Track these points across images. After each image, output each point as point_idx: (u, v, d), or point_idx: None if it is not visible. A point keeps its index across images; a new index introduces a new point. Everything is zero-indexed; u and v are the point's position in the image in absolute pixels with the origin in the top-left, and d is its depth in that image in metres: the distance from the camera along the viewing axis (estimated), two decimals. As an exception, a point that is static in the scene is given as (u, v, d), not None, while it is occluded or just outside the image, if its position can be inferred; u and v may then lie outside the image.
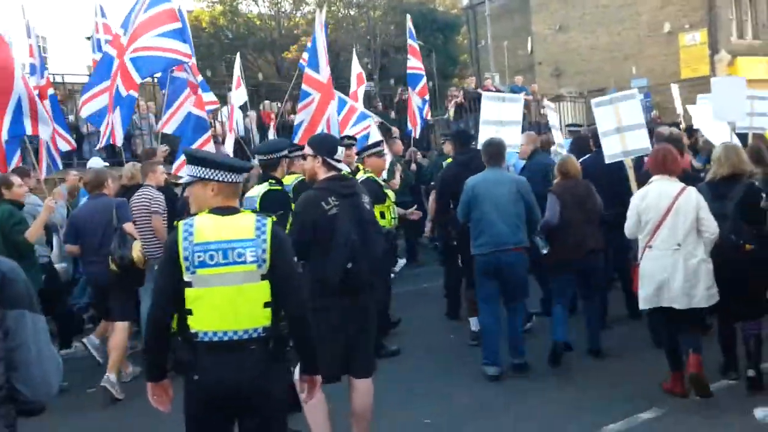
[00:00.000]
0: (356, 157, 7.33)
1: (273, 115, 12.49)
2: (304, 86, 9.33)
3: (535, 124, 17.39)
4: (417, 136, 12.98)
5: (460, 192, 6.19)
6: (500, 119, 7.72)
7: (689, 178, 5.94)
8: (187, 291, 3.03)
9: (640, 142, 6.47)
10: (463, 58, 41.18)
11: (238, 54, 13.14)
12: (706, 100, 9.06)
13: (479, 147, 6.72)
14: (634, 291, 5.54)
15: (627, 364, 6.25)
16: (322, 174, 4.31)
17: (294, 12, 36.17)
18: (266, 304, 3.07)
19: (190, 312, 3.03)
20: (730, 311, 5.30)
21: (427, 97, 13.16)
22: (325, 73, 9.16)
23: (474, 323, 6.92)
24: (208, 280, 3.02)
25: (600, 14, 33.04)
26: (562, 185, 6.34)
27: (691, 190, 5.15)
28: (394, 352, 7.06)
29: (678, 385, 5.29)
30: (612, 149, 6.52)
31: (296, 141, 8.68)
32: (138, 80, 7.79)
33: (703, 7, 29.78)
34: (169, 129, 8.56)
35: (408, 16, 12.65)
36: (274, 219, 3.19)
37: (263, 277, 3.08)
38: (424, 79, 12.76)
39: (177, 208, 7.09)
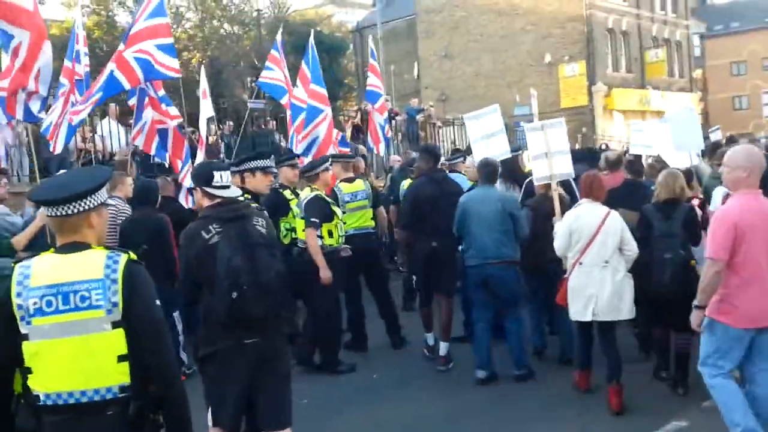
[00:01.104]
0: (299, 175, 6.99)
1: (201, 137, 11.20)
2: (313, 102, 9.52)
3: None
4: (381, 154, 12.73)
5: (430, 210, 6.46)
6: (485, 133, 7.91)
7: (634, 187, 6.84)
8: (25, 345, 2.54)
9: (564, 166, 6.83)
10: (348, 81, 40.84)
11: (202, 65, 12.00)
12: (639, 127, 10.30)
13: (475, 164, 7.10)
14: (558, 304, 5.88)
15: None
16: (206, 204, 3.99)
17: (175, 27, 34.58)
18: (121, 358, 2.56)
19: (29, 370, 2.54)
20: (668, 322, 5.61)
21: (386, 115, 12.91)
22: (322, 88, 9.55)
23: (430, 338, 6.89)
24: (47, 331, 2.53)
25: (484, 43, 33.71)
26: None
27: (615, 214, 5.55)
28: (351, 367, 6.77)
29: (583, 382, 5.81)
30: (541, 172, 6.85)
31: (311, 157, 9.00)
32: (141, 78, 7.70)
33: (582, 41, 31.01)
34: (139, 142, 8.47)
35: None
36: (132, 256, 2.67)
37: (115, 325, 2.56)
38: (383, 97, 12.46)
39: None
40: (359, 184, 7.34)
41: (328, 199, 6.69)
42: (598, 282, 5.41)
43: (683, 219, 5.62)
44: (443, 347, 6.66)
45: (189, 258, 3.85)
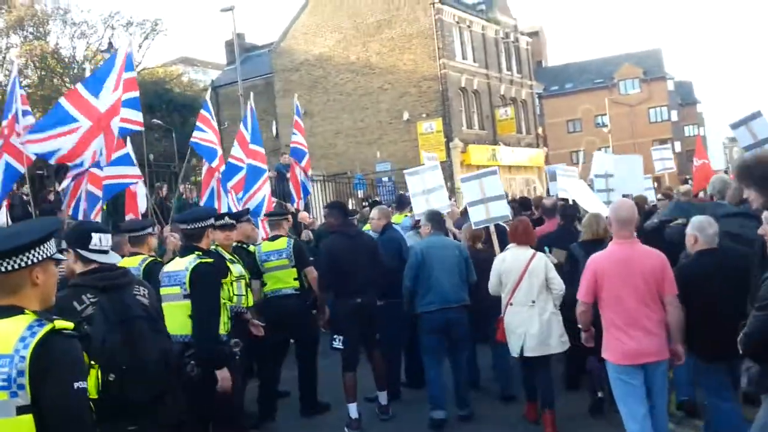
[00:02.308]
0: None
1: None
2: (254, 161, 9.73)
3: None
4: (301, 209, 12.40)
5: (349, 266, 6.41)
6: (425, 188, 8.43)
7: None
8: None
9: (501, 210, 7.38)
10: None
11: None
12: (563, 173, 11.13)
13: (416, 217, 7.76)
14: (498, 340, 6.26)
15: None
16: (79, 269, 3.49)
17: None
18: None
19: None
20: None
21: (310, 172, 13.07)
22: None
23: (353, 410, 6.50)
24: None
25: (343, 101, 33.95)
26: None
27: (541, 256, 6.09)
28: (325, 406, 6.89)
29: (531, 413, 6.24)
30: (478, 216, 7.38)
31: (262, 215, 9.07)
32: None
33: (437, 99, 31.99)
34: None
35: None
36: (59, 325, 2.27)
37: (21, 411, 2.19)
38: (308, 155, 12.56)
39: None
40: (281, 243, 6.84)
41: (224, 255, 5.83)
42: (527, 320, 5.90)
43: None
44: (383, 396, 6.69)
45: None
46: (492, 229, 7.38)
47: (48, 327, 2.24)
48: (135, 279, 3.68)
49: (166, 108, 35.98)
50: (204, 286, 4.61)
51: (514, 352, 6.00)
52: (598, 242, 5.87)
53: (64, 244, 3.63)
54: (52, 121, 7.71)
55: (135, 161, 8.69)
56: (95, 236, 3.45)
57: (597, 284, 4.55)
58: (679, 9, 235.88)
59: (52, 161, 8.00)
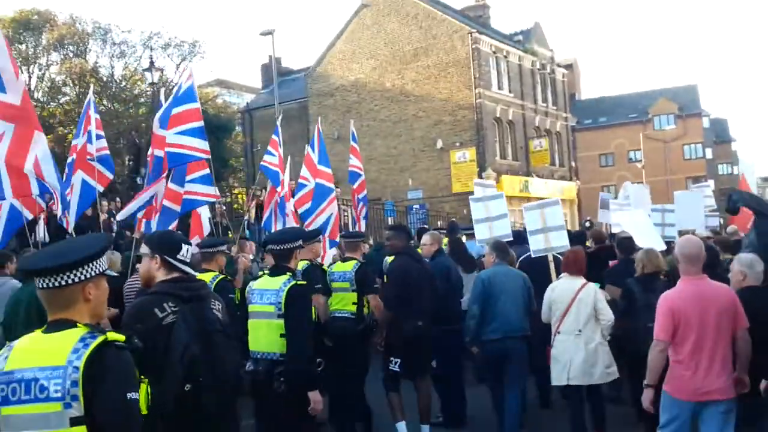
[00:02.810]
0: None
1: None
2: (321, 181, 10.56)
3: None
4: (362, 230, 12.61)
5: (417, 289, 6.45)
6: (488, 215, 8.52)
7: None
8: None
9: (560, 240, 7.53)
10: (232, 161, 39.81)
11: None
12: (617, 207, 11.07)
13: (477, 243, 8.30)
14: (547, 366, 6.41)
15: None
16: (161, 276, 3.58)
17: (48, 102, 32.60)
18: None
19: None
20: None
21: (365, 193, 13.36)
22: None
23: (402, 428, 6.50)
24: (14, 423, 2.23)
25: (377, 127, 33.86)
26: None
27: (590, 285, 6.26)
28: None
29: None
30: (538, 245, 7.54)
31: (328, 233, 9.80)
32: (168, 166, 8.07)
33: (472, 128, 31.78)
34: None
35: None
36: (111, 337, 2.32)
37: (75, 422, 2.20)
38: (363, 177, 13.06)
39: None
40: (348, 265, 6.89)
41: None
42: (573, 349, 6.09)
43: (662, 291, 5.97)
44: (427, 429, 6.59)
45: (134, 332, 3.10)
46: (550, 258, 7.54)
47: (100, 339, 2.27)
48: (212, 293, 3.80)
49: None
50: (300, 307, 4.76)
51: (558, 380, 6.21)
52: (655, 276, 6.22)
53: (146, 249, 3.71)
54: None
55: (214, 182, 9.13)
56: (184, 247, 3.62)
57: (674, 322, 4.57)
58: (716, 45, 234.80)
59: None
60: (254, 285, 4.99)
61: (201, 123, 8.02)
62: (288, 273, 4.89)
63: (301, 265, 6.79)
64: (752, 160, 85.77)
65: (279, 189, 10.53)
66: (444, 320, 6.84)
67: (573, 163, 40.69)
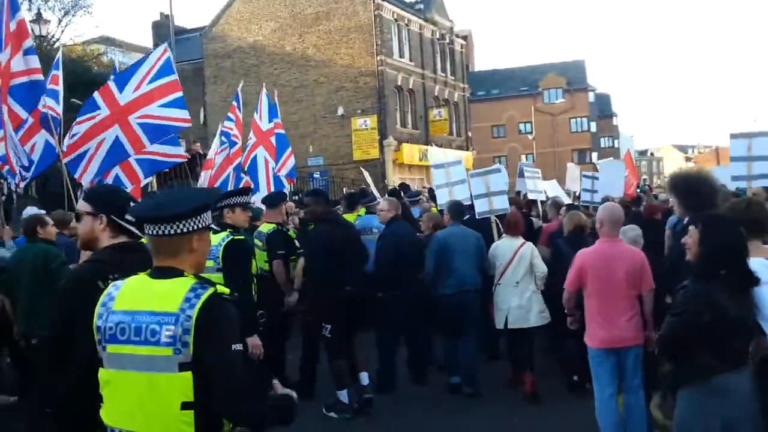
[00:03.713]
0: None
1: None
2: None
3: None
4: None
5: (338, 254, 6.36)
6: (449, 181, 9.14)
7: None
8: (100, 372, 2.41)
9: (502, 204, 8.21)
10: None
11: None
12: (530, 175, 11.64)
13: (440, 207, 8.67)
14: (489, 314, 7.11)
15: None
16: (105, 240, 3.06)
17: None
18: (185, 405, 2.28)
19: (101, 399, 2.40)
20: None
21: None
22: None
23: (343, 395, 6.46)
24: (118, 361, 2.35)
25: (277, 92, 32.91)
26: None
27: (528, 244, 7.06)
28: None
29: (515, 379, 7.11)
30: (482, 208, 8.23)
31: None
32: (147, 145, 8.25)
33: (374, 96, 31.65)
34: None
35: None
36: (220, 289, 2.37)
37: (183, 367, 2.27)
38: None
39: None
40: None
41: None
42: (510, 298, 6.85)
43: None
44: (365, 377, 6.61)
45: (69, 309, 2.84)
46: (493, 219, 8.14)
47: (210, 290, 2.34)
48: None
49: (86, 88, 34.08)
50: (233, 258, 5.10)
51: (498, 324, 6.93)
52: (582, 232, 6.73)
53: (87, 206, 3.14)
54: (81, 111, 8.25)
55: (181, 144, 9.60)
56: (130, 205, 3.19)
57: (581, 277, 5.12)
58: (601, 21, 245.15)
59: (65, 144, 8.26)
60: None
61: (180, 93, 8.28)
62: (228, 230, 5.31)
63: (267, 228, 7.04)
64: (631, 134, 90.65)
65: (233, 154, 11.00)
66: (396, 284, 6.89)
67: (469, 134, 41.46)
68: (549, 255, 7.13)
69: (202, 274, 2.52)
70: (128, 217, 3.10)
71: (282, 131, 12.13)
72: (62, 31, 36.61)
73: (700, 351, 3.40)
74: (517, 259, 6.86)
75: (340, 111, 32.06)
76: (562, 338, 6.77)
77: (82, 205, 3.17)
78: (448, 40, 38.08)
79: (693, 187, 4.98)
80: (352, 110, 31.95)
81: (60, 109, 8.78)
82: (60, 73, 9.02)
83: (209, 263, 4.79)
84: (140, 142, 8.15)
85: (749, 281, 3.42)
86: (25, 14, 26.47)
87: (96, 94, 8.16)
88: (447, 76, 38.01)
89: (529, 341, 6.94)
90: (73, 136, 8.08)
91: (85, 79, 35.23)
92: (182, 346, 2.27)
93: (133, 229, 3.13)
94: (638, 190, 16.27)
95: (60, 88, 8.82)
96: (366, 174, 18.76)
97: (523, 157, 49.42)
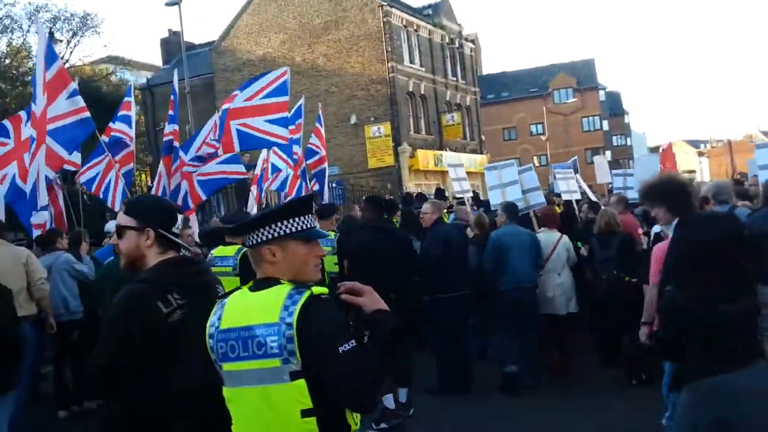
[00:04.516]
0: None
1: None
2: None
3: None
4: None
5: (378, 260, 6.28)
6: (501, 182, 9.46)
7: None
8: (224, 390, 2.36)
9: (538, 198, 8.91)
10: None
11: None
12: (562, 176, 11.68)
13: (496, 208, 8.57)
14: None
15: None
16: (154, 257, 2.83)
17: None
18: (306, 413, 2.22)
19: (230, 416, 2.35)
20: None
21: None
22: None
23: (389, 401, 6.33)
24: (234, 378, 2.31)
25: (289, 103, 32.83)
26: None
27: (565, 238, 7.69)
28: None
29: (559, 369, 7.55)
30: (496, 200, 8.76)
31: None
32: (237, 148, 8.93)
33: (386, 103, 31.44)
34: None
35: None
36: (316, 290, 2.28)
37: (294, 376, 2.22)
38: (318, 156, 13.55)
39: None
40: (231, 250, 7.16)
41: None
42: (553, 286, 7.44)
43: (617, 246, 7.23)
44: (403, 394, 6.48)
45: (126, 334, 2.61)
46: (531, 214, 8.75)
47: (306, 294, 2.26)
48: (215, 276, 3.29)
49: (95, 108, 34.07)
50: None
51: (544, 311, 7.40)
52: (613, 233, 7.20)
53: (129, 220, 2.89)
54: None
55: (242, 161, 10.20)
56: (179, 217, 2.99)
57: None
58: (610, 20, 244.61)
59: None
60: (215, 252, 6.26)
61: (286, 113, 9.06)
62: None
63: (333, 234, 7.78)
64: (643, 131, 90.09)
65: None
66: (440, 288, 6.92)
67: (482, 137, 41.17)
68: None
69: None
70: (174, 230, 2.86)
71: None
72: (71, 52, 36.63)
73: (692, 350, 3.31)
74: (557, 250, 7.50)
75: (353, 119, 31.86)
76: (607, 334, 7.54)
77: (124, 219, 2.89)
78: (457, 45, 37.86)
79: (677, 190, 4.76)
80: (365, 118, 31.75)
81: (131, 132, 9.39)
82: (131, 99, 9.60)
83: (227, 269, 5.75)
84: (231, 146, 8.88)
85: (740, 279, 3.29)
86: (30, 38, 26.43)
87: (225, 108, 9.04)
88: (458, 81, 37.77)
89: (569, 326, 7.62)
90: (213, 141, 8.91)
91: (93, 98, 35.46)
92: (289, 355, 2.22)
93: (180, 242, 2.89)
94: None
95: (132, 112, 9.41)
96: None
97: (536, 159, 49.09)
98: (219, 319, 2.35)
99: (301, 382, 2.22)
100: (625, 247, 7.29)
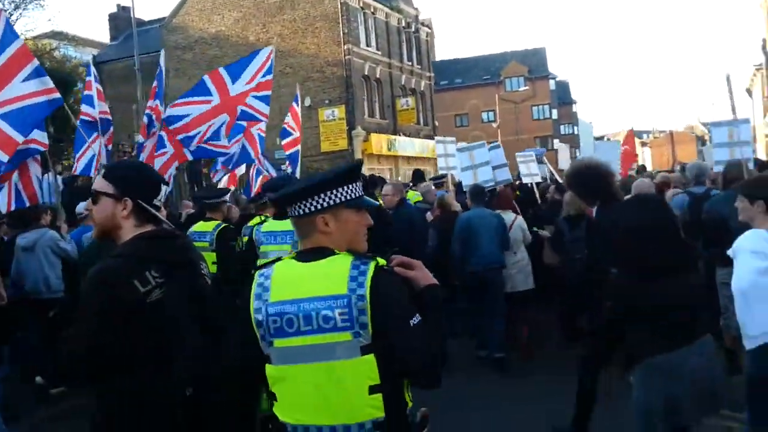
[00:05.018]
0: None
1: None
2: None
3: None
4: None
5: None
6: (472, 163, 9.76)
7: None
8: (268, 369, 2.20)
9: (485, 175, 9.21)
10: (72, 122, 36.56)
11: None
12: (523, 160, 12.40)
13: (464, 189, 9.03)
14: None
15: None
16: (130, 230, 2.60)
17: None
18: (374, 389, 2.13)
19: (274, 396, 2.21)
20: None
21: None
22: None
23: None
24: (289, 355, 2.16)
25: (241, 83, 32.28)
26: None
27: (520, 218, 7.99)
28: None
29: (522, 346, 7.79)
30: (468, 180, 9.05)
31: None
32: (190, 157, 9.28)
33: (341, 86, 31.14)
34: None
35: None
36: (381, 262, 2.21)
37: (365, 350, 2.12)
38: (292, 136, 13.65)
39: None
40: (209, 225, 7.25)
41: None
42: (510, 265, 7.63)
43: (586, 227, 7.07)
44: None
45: (102, 313, 2.37)
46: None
47: (373, 264, 2.17)
48: (198, 252, 2.96)
49: (40, 83, 32.81)
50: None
51: (506, 288, 7.65)
52: (581, 216, 7.06)
53: (107, 186, 2.63)
54: (192, 92, 9.00)
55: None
56: (163, 188, 2.73)
57: None
58: (560, 9, 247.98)
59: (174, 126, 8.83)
60: (264, 228, 5.72)
61: (270, 92, 9.25)
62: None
63: None
64: (590, 120, 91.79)
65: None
66: None
67: (436, 123, 41.23)
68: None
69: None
70: (156, 202, 2.63)
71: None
72: (13, 25, 35.08)
73: (641, 329, 3.41)
74: (513, 231, 7.69)
75: (308, 102, 31.37)
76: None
77: (100, 184, 2.62)
78: (413, 29, 37.75)
79: (595, 177, 5.12)
80: (320, 101, 31.41)
81: (94, 112, 9.03)
82: (92, 78, 9.27)
83: (286, 246, 5.36)
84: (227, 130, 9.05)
85: (678, 255, 3.43)
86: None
87: (207, 79, 8.91)
88: (413, 65, 37.70)
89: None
90: (184, 117, 8.69)
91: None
92: (360, 329, 2.11)
93: (160, 215, 2.65)
94: (635, 172, 16.44)
95: (93, 92, 9.13)
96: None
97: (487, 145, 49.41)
98: (267, 290, 2.20)
99: (371, 357, 2.13)
100: (592, 229, 7.43)
